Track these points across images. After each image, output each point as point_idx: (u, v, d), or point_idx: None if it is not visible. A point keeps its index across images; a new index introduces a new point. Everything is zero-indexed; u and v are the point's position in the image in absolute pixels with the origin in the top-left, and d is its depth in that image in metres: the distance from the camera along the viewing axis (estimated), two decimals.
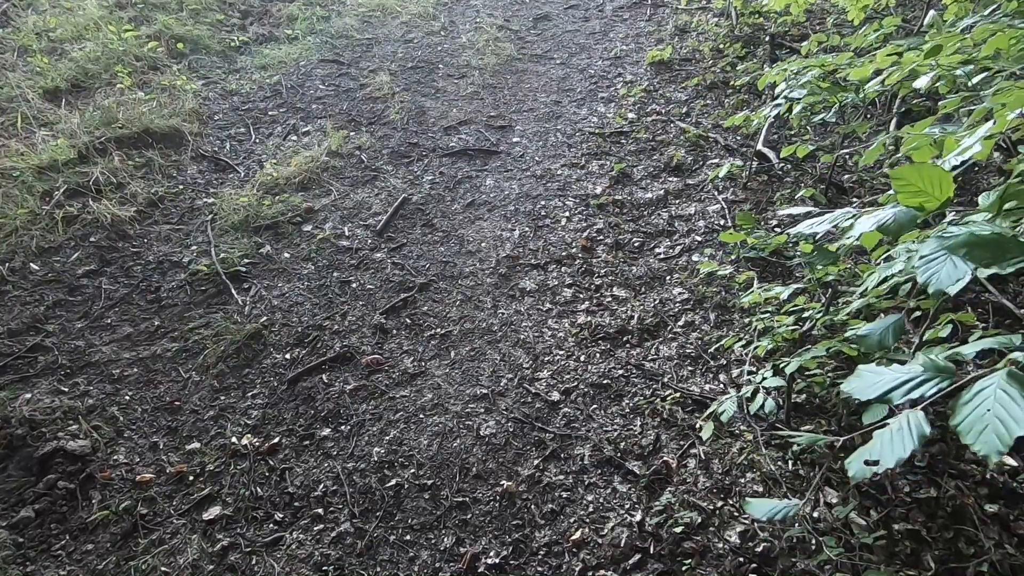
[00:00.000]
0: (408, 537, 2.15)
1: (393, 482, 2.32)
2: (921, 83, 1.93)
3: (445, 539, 2.13)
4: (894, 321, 1.36)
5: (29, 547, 2.17)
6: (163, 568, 2.09)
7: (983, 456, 0.73)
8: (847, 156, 3.60)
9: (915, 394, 0.79)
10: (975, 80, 1.84)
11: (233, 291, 3.24)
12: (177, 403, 2.69)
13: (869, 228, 1.11)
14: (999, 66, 1.82)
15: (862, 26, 3.42)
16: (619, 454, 2.33)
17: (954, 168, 1.26)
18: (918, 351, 1.79)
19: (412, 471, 2.36)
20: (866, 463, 0.75)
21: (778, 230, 3.21)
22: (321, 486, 2.33)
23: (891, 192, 1.14)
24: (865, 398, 0.82)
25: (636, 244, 3.41)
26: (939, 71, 1.96)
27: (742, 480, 2.16)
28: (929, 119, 2.01)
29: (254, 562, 2.10)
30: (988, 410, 0.72)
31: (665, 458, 2.28)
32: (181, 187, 4.02)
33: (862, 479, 0.77)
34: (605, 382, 2.63)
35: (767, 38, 4.86)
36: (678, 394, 2.51)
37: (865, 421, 0.92)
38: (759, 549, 1.94)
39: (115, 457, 2.47)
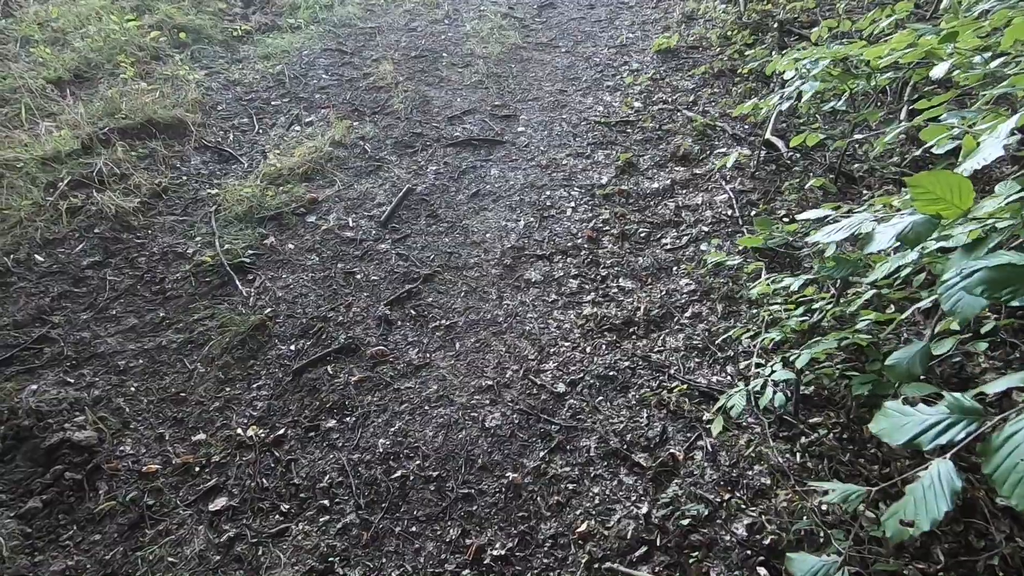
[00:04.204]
0: (414, 528, 2.14)
1: (398, 473, 2.32)
2: (938, 72, 1.87)
3: (451, 531, 2.12)
4: (920, 348, 1.38)
5: (37, 537, 2.18)
6: (170, 558, 2.10)
7: (1020, 510, 0.72)
8: (857, 145, 3.55)
9: (943, 439, 0.79)
10: (994, 64, 1.79)
11: (237, 282, 3.24)
12: (183, 394, 2.69)
13: (888, 244, 1.11)
14: (1018, 51, 1.77)
15: (871, 10, 3.34)
16: (625, 446, 2.31)
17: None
18: (931, 342, 1.76)
19: (417, 463, 2.35)
20: (901, 523, 0.74)
21: (786, 219, 3.17)
22: (327, 477, 2.33)
23: (908, 197, 1.15)
24: (895, 443, 0.82)
25: (642, 234, 3.37)
26: (956, 59, 1.90)
27: (749, 472, 2.14)
28: (944, 96, 1.96)
29: (260, 553, 2.10)
30: (1020, 459, 0.71)
31: (672, 450, 2.27)
32: (184, 178, 4.00)
33: (900, 540, 0.77)
34: (611, 374, 2.61)
35: (775, 25, 4.78)
36: (685, 386, 2.49)
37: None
38: (767, 542, 1.93)
39: (121, 448, 2.47)
